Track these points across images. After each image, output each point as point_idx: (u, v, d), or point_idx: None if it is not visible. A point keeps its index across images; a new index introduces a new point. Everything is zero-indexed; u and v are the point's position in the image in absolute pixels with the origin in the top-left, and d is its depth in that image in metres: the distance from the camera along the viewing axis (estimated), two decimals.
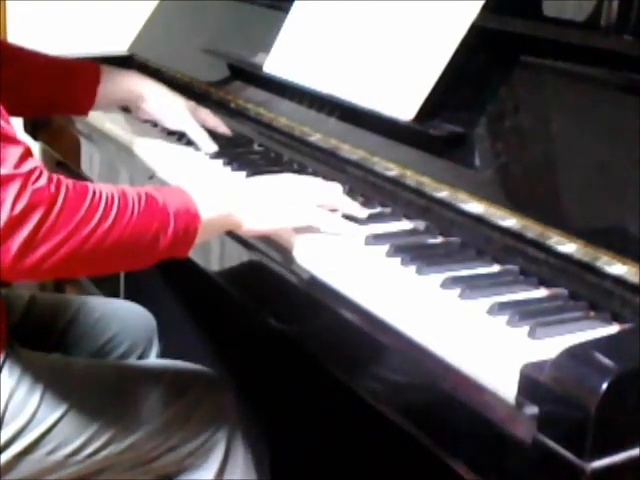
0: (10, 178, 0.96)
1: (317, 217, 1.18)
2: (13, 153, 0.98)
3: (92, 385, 1.23)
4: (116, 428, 1.23)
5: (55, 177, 1.01)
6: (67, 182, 1.02)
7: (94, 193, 1.02)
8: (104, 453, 1.23)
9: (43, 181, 0.99)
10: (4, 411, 1.16)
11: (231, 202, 1.17)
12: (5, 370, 1.17)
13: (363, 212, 1.23)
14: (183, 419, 1.29)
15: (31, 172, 0.98)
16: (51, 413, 1.19)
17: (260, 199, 1.19)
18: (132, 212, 1.04)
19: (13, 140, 1.00)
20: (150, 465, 1.29)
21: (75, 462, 1.22)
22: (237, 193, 1.19)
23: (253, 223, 1.18)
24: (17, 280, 1.14)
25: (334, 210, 1.22)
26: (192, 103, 1.62)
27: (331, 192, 1.23)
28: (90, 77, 1.54)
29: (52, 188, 0.99)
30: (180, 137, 1.62)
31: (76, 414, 1.20)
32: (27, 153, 1.00)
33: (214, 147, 1.53)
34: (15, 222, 0.96)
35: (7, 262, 0.97)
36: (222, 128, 1.62)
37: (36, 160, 1.01)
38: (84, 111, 1.58)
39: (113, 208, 1.03)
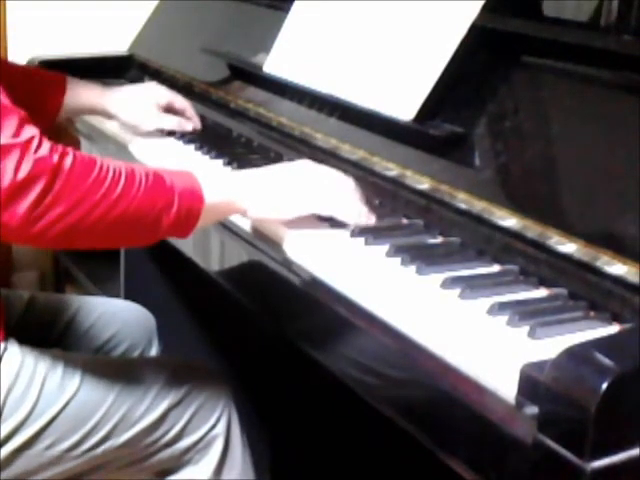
0: (9, 148, 0.97)
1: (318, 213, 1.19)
2: (10, 122, 0.99)
3: (91, 380, 1.23)
4: (114, 422, 1.23)
5: (60, 147, 1.02)
6: (75, 153, 1.03)
7: (101, 166, 1.04)
8: (102, 448, 1.23)
9: (45, 150, 1.00)
10: (3, 406, 1.16)
11: (237, 189, 1.18)
12: (3, 365, 1.17)
13: (371, 217, 1.21)
14: (181, 414, 1.29)
15: (30, 141, 0.99)
16: (50, 408, 1.19)
17: (267, 188, 1.19)
18: (138, 188, 1.06)
19: (8, 109, 1.00)
20: (148, 461, 1.29)
21: (73, 457, 1.22)
22: (245, 180, 1.20)
23: (257, 211, 1.19)
24: (24, 244, 1.17)
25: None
26: (167, 95, 1.65)
27: (341, 188, 1.22)
28: (56, 87, 1.56)
29: (55, 158, 1.00)
30: (180, 136, 1.63)
31: (75, 409, 1.21)
32: (24, 120, 1.01)
33: (197, 123, 1.62)
34: (18, 189, 0.97)
35: (14, 226, 0.99)
36: (189, 111, 1.67)
37: (34, 128, 1.02)
38: (49, 121, 1.57)
39: (119, 182, 1.04)
